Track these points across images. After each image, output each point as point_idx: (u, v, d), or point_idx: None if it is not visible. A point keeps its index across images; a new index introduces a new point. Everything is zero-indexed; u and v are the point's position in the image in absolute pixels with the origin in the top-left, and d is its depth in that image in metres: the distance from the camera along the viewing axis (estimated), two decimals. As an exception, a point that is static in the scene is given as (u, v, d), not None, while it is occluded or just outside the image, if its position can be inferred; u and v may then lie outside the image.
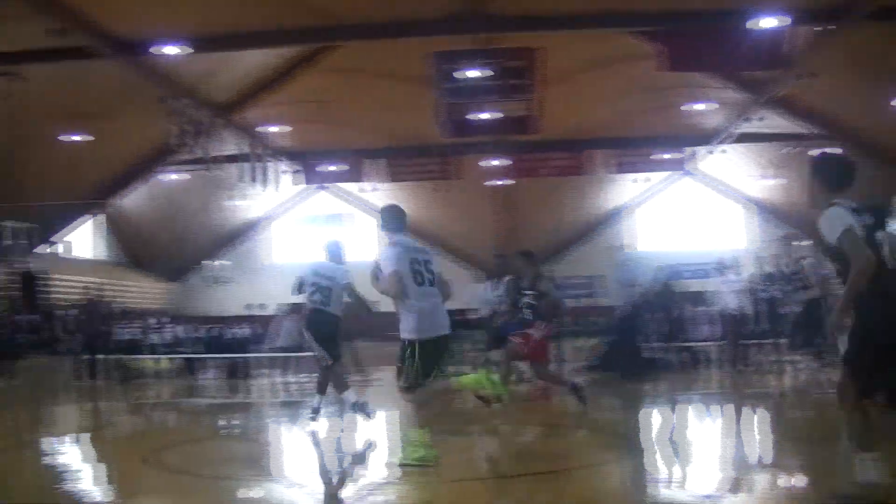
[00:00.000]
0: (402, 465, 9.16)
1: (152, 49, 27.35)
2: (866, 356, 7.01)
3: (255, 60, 33.29)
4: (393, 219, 9.91)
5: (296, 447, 11.95)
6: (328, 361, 12.68)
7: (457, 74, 28.23)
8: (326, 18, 27.61)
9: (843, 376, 7.21)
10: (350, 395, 12.59)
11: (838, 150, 20.67)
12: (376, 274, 9.51)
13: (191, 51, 27.44)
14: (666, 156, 41.13)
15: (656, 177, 45.05)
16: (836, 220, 7.08)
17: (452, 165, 40.94)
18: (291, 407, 16.34)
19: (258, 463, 10.36)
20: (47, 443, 12.56)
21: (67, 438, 13.10)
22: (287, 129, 39.19)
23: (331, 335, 12.53)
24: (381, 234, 10.00)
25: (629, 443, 10.94)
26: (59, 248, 42.29)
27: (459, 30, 27.94)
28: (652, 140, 39.71)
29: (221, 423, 14.78)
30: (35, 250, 36.52)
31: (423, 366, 9.27)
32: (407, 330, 9.37)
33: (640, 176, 42.83)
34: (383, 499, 8.41)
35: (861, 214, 7.13)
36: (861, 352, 7.04)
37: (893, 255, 7.16)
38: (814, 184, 7.53)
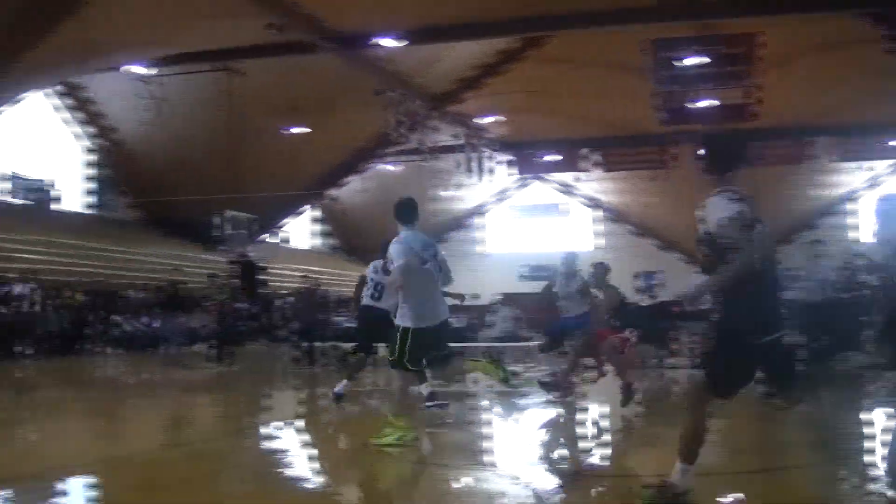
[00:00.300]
0: (378, 446, 9.68)
1: (369, 42, 27.75)
2: (724, 357, 6.78)
3: (470, 51, 33.39)
4: (405, 211, 10.60)
5: (510, 436, 11.87)
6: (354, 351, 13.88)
7: (674, 62, 27.78)
8: (542, 8, 27.43)
9: (697, 377, 6.96)
10: (339, 386, 13.42)
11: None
12: (387, 266, 10.42)
13: (407, 43, 27.72)
14: (892, 143, 39.61)
15: (881, 165, 43.50)
16: (724, 207, 6.62)
17: (669, 154, 40.25)
18: (506, 396, 16.28)
19: (473, 451, 10.31)
20: (266, 428, 12.81)
21: (286, 424, 13.34)
22: (501, 119, 39.22)
23: (378, 329, 12.65)
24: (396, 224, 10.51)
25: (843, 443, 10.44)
26: (278, 238, 43.47)
27: (676, 17, 27.42)
28: (877, 126, 38.24)
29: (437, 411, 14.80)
30: (255, 240, 37.49)
31: (413, 351, 9.95)
32: (406, 317, 10.00)
33: (864, 164, 41.37)
34: (596, 491, 8.26)
35: (746, 205, 6.74)
36: (721, 352, 6.82)
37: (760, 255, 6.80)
38: (702, 165, 7.05)
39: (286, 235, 47.17)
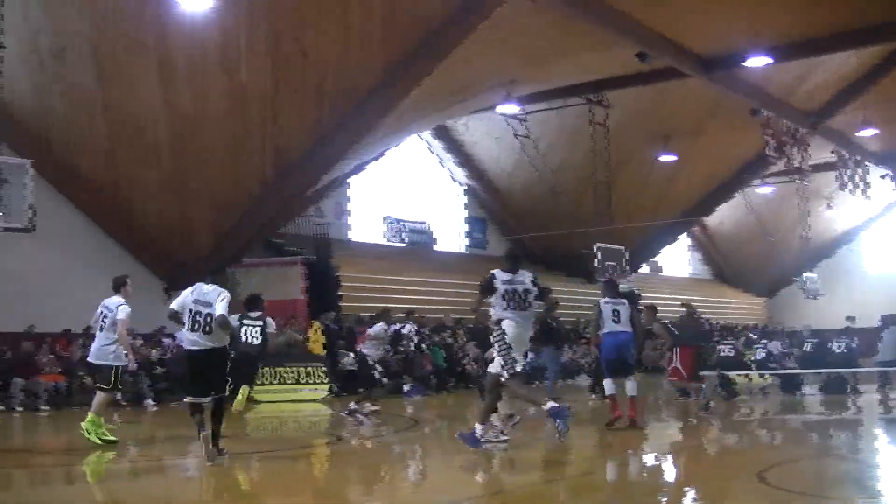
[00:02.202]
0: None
1: (736, 63, 27.32)
2: None
3: (841, 63, 32.05)
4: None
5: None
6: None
7: None
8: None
9: None
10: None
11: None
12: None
13: (773, 61, 27.06)
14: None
15: None
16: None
17: None
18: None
19: (866, 483, 9.74)
20: (646, 459, 12.61)
21: (665, 455, 13.06)
22: (877, 131, 37.44)
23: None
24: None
25: None
26: (659, 266, 43.49)
27: None
28: None
29: (825, 440, 14.20)
30: (632, 270, 37.21)
31: None
32: None
33: None
34: None
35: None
36: None
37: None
38: None
39: (655, 265, 46.98)
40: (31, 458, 13.56)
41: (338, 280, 29.04)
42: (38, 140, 23.99)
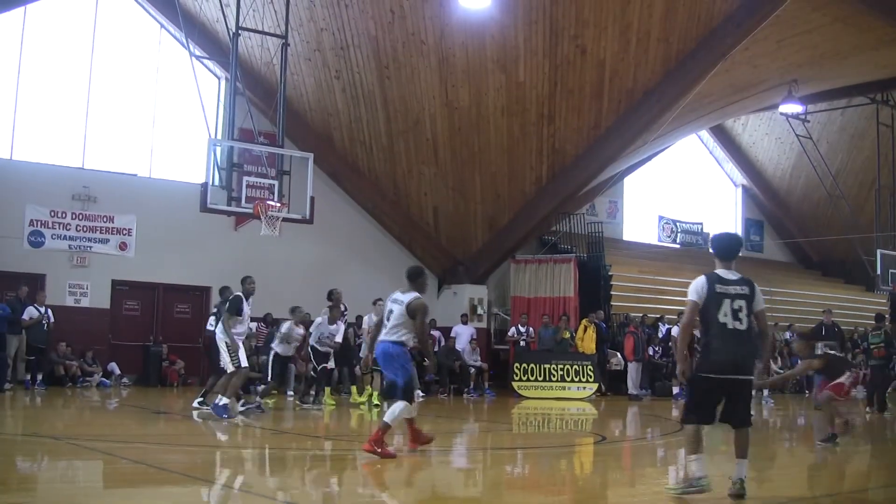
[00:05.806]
0: None
1: None
2: None
3: None
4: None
5: None
6: None
7: None
8: None
9: None
10: None
11: None
12: None
13: None
14: None
15: None
16: None
17: None
18: None
19: None
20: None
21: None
22: None
23: None
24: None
25: None
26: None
27: None
28: None
29: None
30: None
31: None
32: None
33: None
34: None
35: None
36: None
37: None
38: None
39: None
40: (306, 442, 14.03)
41: (610, 279, 28.98)
42: (319, 134, 25.06)
